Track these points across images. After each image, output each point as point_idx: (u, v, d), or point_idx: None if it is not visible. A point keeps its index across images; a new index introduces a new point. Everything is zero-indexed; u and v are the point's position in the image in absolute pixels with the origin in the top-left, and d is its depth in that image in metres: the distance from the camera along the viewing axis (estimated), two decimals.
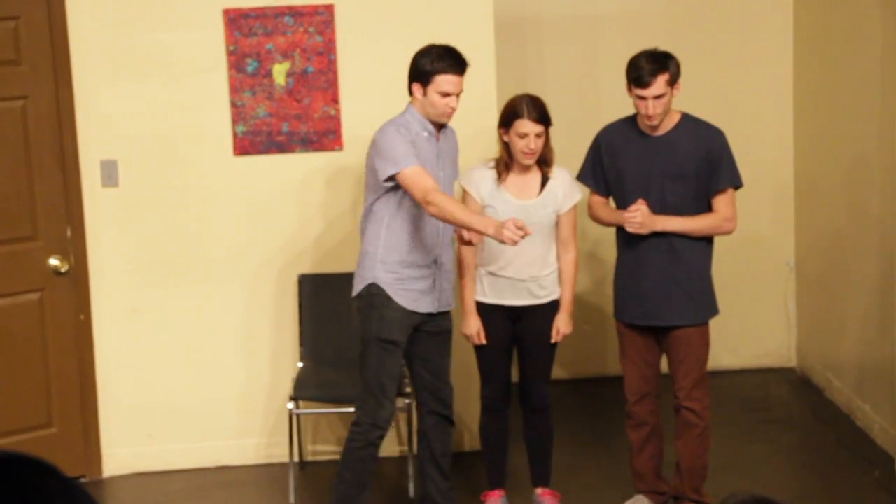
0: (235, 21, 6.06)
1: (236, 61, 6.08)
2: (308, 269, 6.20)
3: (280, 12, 6.06)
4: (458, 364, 6.33)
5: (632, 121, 5.31)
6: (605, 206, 5.43)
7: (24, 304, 6.02)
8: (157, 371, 6.25)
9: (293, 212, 6.20)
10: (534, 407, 5.56)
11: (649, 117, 5.15)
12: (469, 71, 6.11)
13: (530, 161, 5.28)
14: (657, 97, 5.10)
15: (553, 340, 5.43)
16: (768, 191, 7.30)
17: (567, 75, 7.21)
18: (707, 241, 5.33)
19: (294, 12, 6.07)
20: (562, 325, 5.41)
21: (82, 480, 6.18)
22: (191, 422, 6.30)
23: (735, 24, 7.27)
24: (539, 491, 5.66)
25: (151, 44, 6.03)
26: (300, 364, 6.11)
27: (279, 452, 6.19)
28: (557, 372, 5.83)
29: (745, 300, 7.34)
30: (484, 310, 5.42)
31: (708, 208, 5.26)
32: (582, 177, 5.44)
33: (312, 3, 6.07)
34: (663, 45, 5.31)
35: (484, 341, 5.41)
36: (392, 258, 5.09)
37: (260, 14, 6.06)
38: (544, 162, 5.33)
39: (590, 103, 7.02)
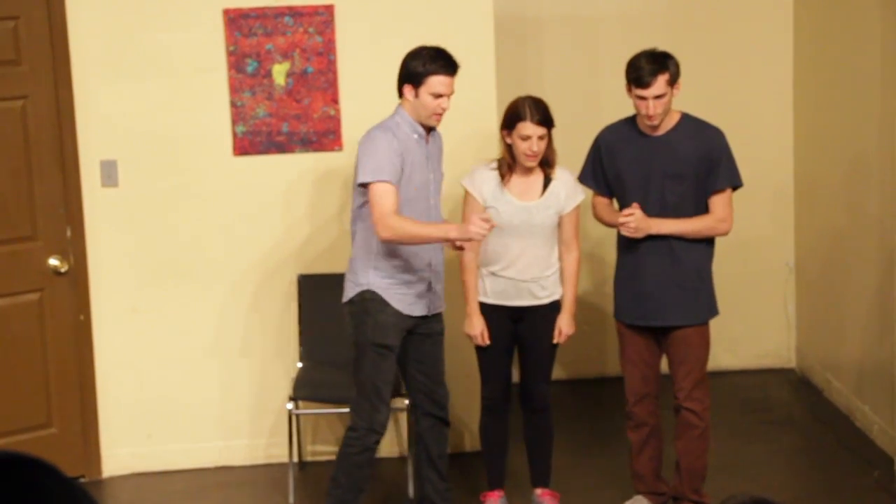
0: (235, 21, 6.06)
1: (236, 61, 6.08)
2: (308, 269, 6.20)
3: (280, 12, 6.06)
4: (458, 364, 6.33)
5: (631, 121, 5.31)
6: (607, 207, 5.43)
7: (23, 304, 6.02)
8: (157, 371, 6.25)
9: (293, 212, 6.20)
10: (534, 407, 5.56)
11: (649, 117, 5.15)
12: (469, 71, 6.12)
13: (533, 163, 5.28)
14: (657, 97, 5.10)
15: (556, 341, 5.43)
16: (768, 191, 7.30)
17: (567, 76, 7.21)
18: (707, 241, 5.33)
19: (294, 12, 6.07)
20: (564, 326, 5.41)
21: (82, 480, 6.18)
22: (190, 422, 6.30)
23: (735, 24, 7.27)
24: (538, 491, 5.66)
25: (151, 44, 6.03)
26: (300, 364, 6.11)
27: (278, 453, 6.19)
28: (557, 372, 5.83)
29: (745, 301, 7.34)
30: (485, 310, 5.42)
31: (707, 208, 5.26)
32: (583, 178, 5.44)
33: (312, 4, 6.07)
34: (663, 46, 5.31)
35: (488, 341, 5.40)
36: (386, 263, 5.07)
37: (260, 14, 6.06)
38: (547, 163, 5.33)
39: (590, 104, 7.02)
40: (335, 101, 6.11)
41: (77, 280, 6.10)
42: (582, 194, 5.41)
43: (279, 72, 6.10)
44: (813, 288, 7.21)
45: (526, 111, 5.22)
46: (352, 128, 6.09)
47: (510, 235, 5.33)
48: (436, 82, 5.00)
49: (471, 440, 6.30)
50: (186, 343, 6.25)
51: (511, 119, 5.27)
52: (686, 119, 5.29)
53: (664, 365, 5.44)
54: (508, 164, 5.33)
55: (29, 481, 1.42)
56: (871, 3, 6.15)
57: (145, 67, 6.04)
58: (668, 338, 5.34)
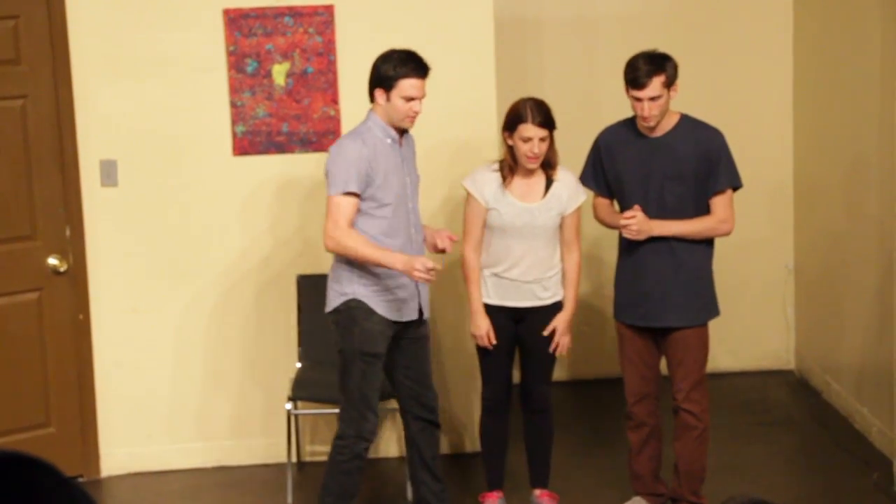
0: (235, 21, 6.06)
1: (236, 61, 6.08)
2: (307, 269, 6.19)
3: (280, 13, 6.06)
4: (458, 364, 6.33)
5: (631, 122, 5.32)
6: (608, 209, 5.44)
7: (22, 304, 6.02)
8: (156, 371, 6.25)
9: (292, 212, 6.19)
10: (535, 408, 5.56)
11: (645, 118, 5.16)
12: (469, 72, 6.14)
13: (534, 165, 5.27)
14: (653, 99, 5.11)
15: (552, 349, 5.42)
16: (767, 193, 7.30)
17: (567, 77, 7.21)
18: (707, 242, 5.34)
19: (294, 13, 6.07)
20: (561, 325, 5.40)
21: (80, 480, 6.18)
22: (189, 422, 6.30)
23: (735, 25, 7.27)
24: (537, 492, 5.66)
25: (151, 44, 6.03)
26: (298, 364, 6.11)
27: (277, 453, 6.19)
28: (556, 373, 5.83)
29: (744, 302, 7.34)
30: (487, 311, 5.42)
31: (708, 209, 5.26)
32: (583, 179, 5.45)
33: (312, 4, 6.07)
34: (663, 47, 5.31)
35: (494, 341, 5.39)
36: (370, 271, 5.04)
37: (260, 14, 6.06)
38: (549, 165, 5.32)
39: (590, 105, 7.02)
40: (335, 101, 6.11)
41: (76, 279, 6.10)
42: (584, 195, 5.41)
43: (279, 72, 6.10)
44: (812, 290, 7.21)
45: (527, 113, 5.21)
46: (351, 128, 6.08)
47: (512, 237, 5.33)
48: (407, 86, 4.96)
49: (471, 441, 6.30)
50: (185, 343, 6.25)
51: (512, 121, 5.26)
52: (685, 120, 5.29)
53: (664, 366, 5.44)
54: (510, 167, 5.32)
55: (27, 481, 1.42)
56: (870, 4, 6.15)
57: (145, 67, 6.04)
58: (667, 339, 5.34)
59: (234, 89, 6.10)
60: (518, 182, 5.34)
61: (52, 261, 6.04)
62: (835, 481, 5.96)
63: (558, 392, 6.33)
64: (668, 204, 5.23)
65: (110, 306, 6.18)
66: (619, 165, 5.32)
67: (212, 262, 6.21)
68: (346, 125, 6.11)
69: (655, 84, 5.09)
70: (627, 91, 5.16)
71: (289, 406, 5.90)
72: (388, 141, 5.04)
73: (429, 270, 4.82)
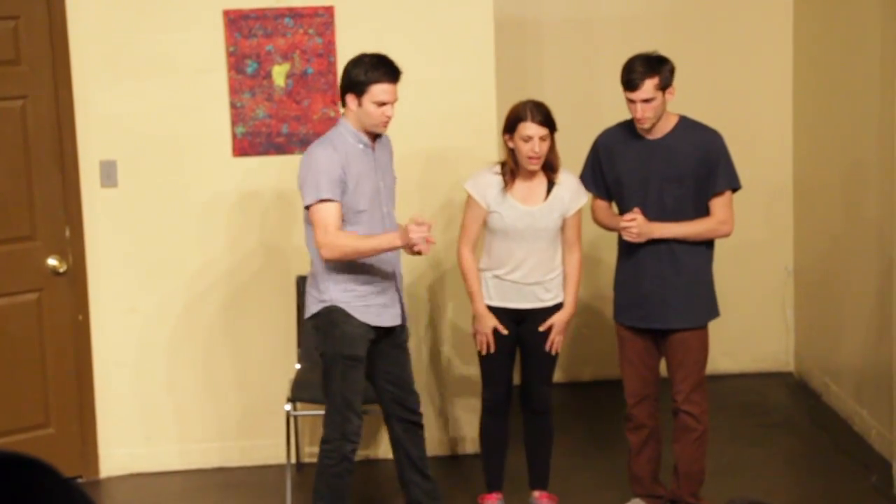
0: (235, 22, 6.06)
1: (236, 62, 6.08)
2: (306, 270, 6.18)
3: (280, 14, 6.06)
4: (459, 365, 6.34)
5: (629, 125, 5.32)
6: (606, 211, 5.44)
7: (22, 304, 6.02)
8: (155, 371, 6.25)
9: (291, 213, 6.19)
10: (535, 409, 5.56)
11: (638, 120, 5.17)
12: (469, 74, 6.14)
13: (536, 166, 5.26)
14: (646, 101, 5.12)
15: (547, 347, 5.41)
16: (767, 195, 7.30)
17: (567, 78, 7.22)
18: (707, 244, 5.34)
19: (294, 14, 6.07)
20: (558, 324, 5.40)
21: (79, 481, 6.18)
22: (188, 423, 6.30)
23: (735, 28, 7.27)
24: (536, 494, 5.66)
25: (151, 44, 6.03)
26: (298, 366, 6.11)
27: (276, 454, 6.18)
28: (555, 374, 5.82)
29: (744, 304, 7.34)
30: (489, 311, 5.42)
31: (707, 211, 5.27)
32: (582, 182, 5.45)
33: (312, 5, 6.07)
34: (663, 48, 5.31)
35: (493, 349, 5.38)
36: (347, 276, 5.02)
37: (260, 15, 6.06)
38: (550, 168, 5.32)
39: (590, 106, 7.02)
40: (335, 102, 6.10)
41: (76, 280, 6.10)
42: (585, 197, 5.41)
43: (279, 73, 6.10)
44: (811, 292, 7.21)
45: (527, 112, 5.22)
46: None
47: (514, 240, 5.33)
48: (379, 90, 4.93)
49: (471, 442, 6.30)
50: (184, 344, 6.25)
51: (512, 122, 5.26)
52: (684, 122, 5.30)
53: (663, 368, 5.44)
54: (511, 170, 5.32)
55: (26, 481, 1.42)
56: (870, 8, 6.15)
57: (145, 68, 6.04)
58: (666, 340, 5.34)
59: (234, 90, 6.10)
60: (520, 185, 5.33)
61: (52, 261, 6.04)
62: (834, 483, 5.96)
63: (557, 393, 6.32)
64: (667, 206, 5.23)
65: (110, 307, 6.18)
66: (618, 168, 5.32)
67: (211, 262, 6.21)
68: None
69: (649, 86, 5.10)
70: (624, 92, 5.18)
71: (288, 407, 5.90)
72: (360, 146, 4.99)
73: (420, 226, 4.75)
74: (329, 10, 6.07)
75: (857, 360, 6.53)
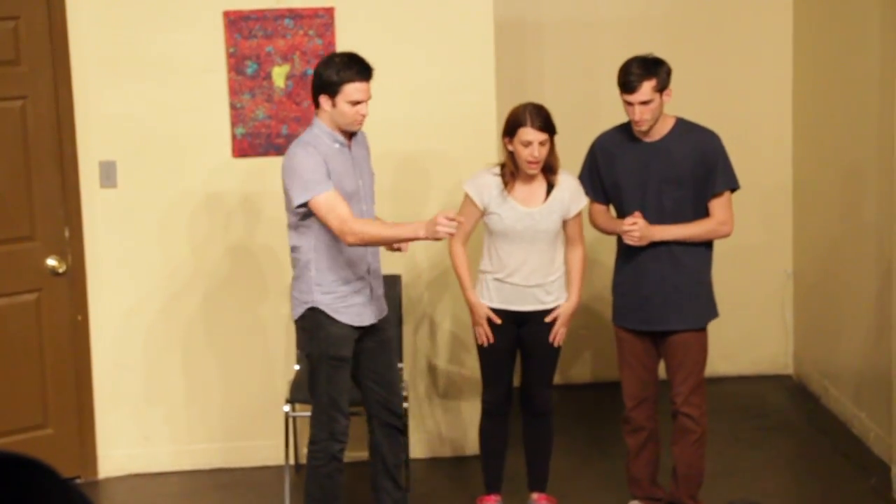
0: (235, 23, 6.06)
1: (236, 63, 6.08)
2: None
3: (280, 15, 6.06)
4: (459, 367, 6.33)
5: (627, 127, 5.33)
6: (604, 215, 5.44)
7: (21, 305, 6.01)
8: (154, 372, 6.25)
9: None
10: (535, 412, 5.56)
11: (636, 122, 5.18)
12: (468, 76, 6.13)
13: (535, 170, 5.27)
14: (644, 103, 5.12)
15: (550, 338, 5.40)
16: (766, 198, 7.30)
17: (567, 80, 7.21)
18: (706, 245, 5.35)
19: (294, 15, 6.07)
20: (563, 315, 5.39)
21: (78, 481, 6.17)
22: (187, 424, 6.30)
23: (734, 30, 7.27)
24: (535, 496, 5.66)
25: (151, 45, 6.03)
26: (296, 367, 6.10)
27: (275, 455, 6.18)
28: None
29: (743, 307, 7.33)
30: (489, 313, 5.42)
31: (706, 212, 5.27)
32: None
33: (312, 6, 6.07)
34: (662, 50, 5.31)
35: (491, 340, 5.38)
36: (327, 279, 5.01)
37: (260, 16, 6.06)
38: (550, 170, 5.32)
39: (590, 109, 7.01)
40: None
41: (75, 280, 6.10)
42: (585, 198, 5.41)
43: (279, 74, 6.10)
44: (811, 295, 7.21)
45: (526, 117, 5.21)
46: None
47: (514, 242, 5.33)
48: (352, 90, 4.90)
49: (470, 444, 6.29)
50: (183, 344, 6.24)
51: (512, 126, 5.26)
52: (681, 123, 5.30)
53: (662, 370, 5.44)
54: (511, 172, 5.32)
55: (25, 482, 1.42)
56: (870, 11, 6.15)
57: (145, 68, 6.04)
58: (666, 342, 5.34)
59: (234, 91, 6.09)
60: (519, 187, 5.33)
61: (51, 262, 6.04)
62: (832, 486, 5.96)
63: (555, 395, 6.32)
64: (666, 208, 5.24)
65: (109, 307, 6.18)
66: (616, 171, 5.32)
67: (210, 263, 6.21)
68: None
69: (646, 88, 5.10)
70: (620, 95, 5.18)
71: (287, 408, 5.89)
72: (337, 146, 4.97)
73: (451, 221, 4.70)
74: (329, 12, 6.07)
75: (856, 363, 6.53)
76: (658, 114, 5.20)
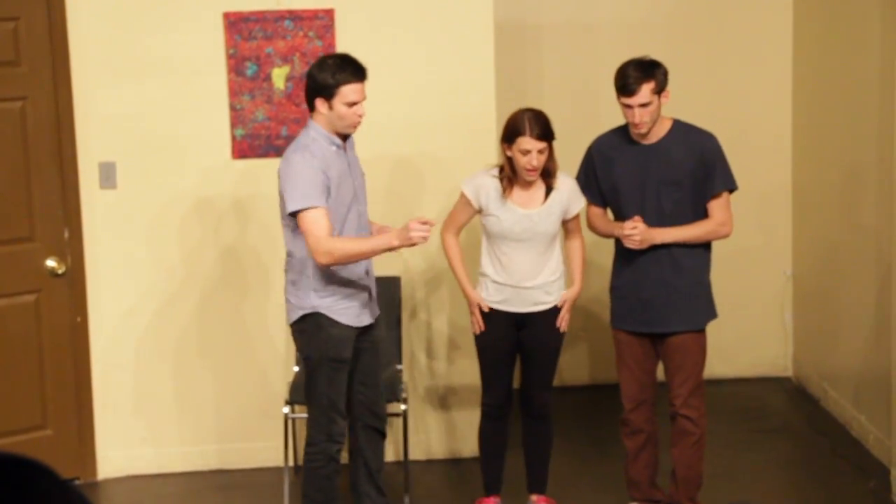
0: (235, 24, 6.06)
1: (236, 65, 6.08)
2: None
3: (280, 16, 6.06)
4: (459, 369, 6.33)
5: (623, 130, 5.33)
6: (602, 218, 5.44)
7: (20, 306, 6.01)
8: (153, 373, 6.25)
9: None
10: (535, 414, 5.56)
11: (636, 126, 5.17)
12: (468, 78, 6.14)
13: (533, 177, 5.26)
14: (643, 105, 5.12)
15: (558, 323, 5.39)
16: (766, 200, 7.31)
17: (566, 83, 7.22)
18: (705, 247, 5.35)
19: (294, 16, 6.07)
20: (568, 301, 5.41)
21: (77, 482, 6.17)
22: (186, 425, 6.30)
23: (734, 33, 7.28)
24: (534, 498, 5.66)
25: (151, 46, 6.03)
26: (296, 368, 6.10)
27: (274, 456, 6.18)
28: None
29: (742, 309, 7.34)
30: (489, 316, 5.41)
31: (705, 213, 5.27)
32: None
33: (312, 8, 6.07)
34: (662, 53, 5.31)
35: (483, 327, 5.39)
36: (326, 283, 5.00)
37: (260, 18, 6.06)
38: (548, 174, 5.32)
39: (589, 111, 7.01)
40: None
41: (74, 282, 6.10)
42: (583, 199, 5.41)
43: (279, 75, 6.10)
44: (810, 297, 7.22)
45: (525, 125, 5.19)
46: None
47: (513, 243, 5.33)
48: (348, 91, 4.89)
49: (470, 446, 6.29)
50: (183, 346, 6.24)
51: (511, 133, 5.25)
52: (678, 125, 5.30)
53: (660, 372, 5.44)
54: (509, 177, 5.31)
55: (24, 483, 1.42)
56: (869, 14, 6.15)
57: (145, 69, 6.04)
58: (665, 344, 5.34)
59: (234, 92, 6.10)
60: (518, 191, 5.33)
61: (51, 263, 6.04)
62: (832, 489, 5.96)
63: (554, 397, 6.32)
64: (665, 210, 5.24)
65: (108, 309, 6.18)
66: (614, 174, 5.32)
67: (210, 265, 6.21)
68: None
69: (645, 91, 5.10)
70: (618, 98, 5.18)
71: (286, 410, 5.89)
72: (334, 149, 4.97)
73: (423, 225, 4.74)
74: (329, 13, 6.08)
75: (855, 365, 6.53)
76: (656, 116, 5.20)
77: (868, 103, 6.19)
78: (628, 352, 5.40)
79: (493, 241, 5.37)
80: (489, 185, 5.34)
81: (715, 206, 5.26)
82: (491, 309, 5.40)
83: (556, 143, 5.32)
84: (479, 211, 5.37)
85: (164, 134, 6.10)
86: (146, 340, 6.22)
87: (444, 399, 6.41)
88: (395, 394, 5.80)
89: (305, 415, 6.17)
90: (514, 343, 5.44)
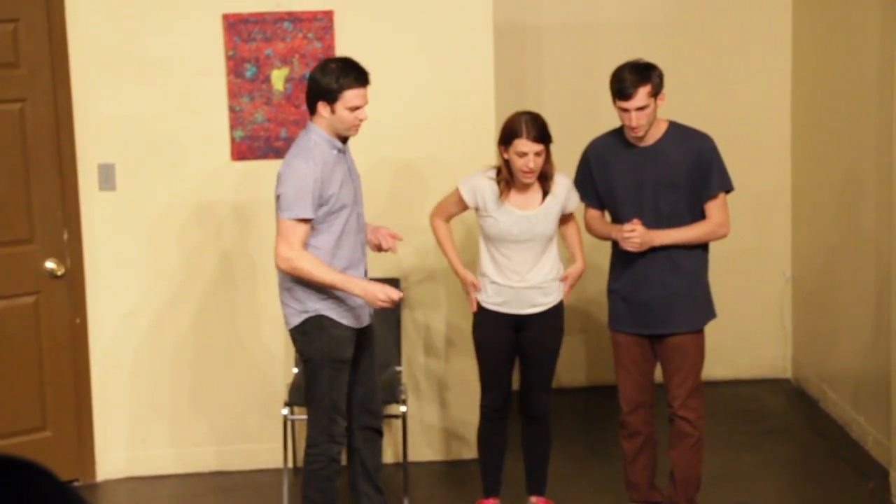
0: (235, 26, 6.06)
1: (235, 66, 6.08)
2: None
3: (279, 18, 6.06)
4: (458, 371, 6.33)
5: (619, 133, 5.33)
6: (600, 221, 5.44)
7: (19, 307, 6.01)
8: (152, 375, 6.25)
9: None
10: (534, 415, 5.56)
11: (633, 128, 5.17)
12: (468, 79, 6.14)
13: (530, 180, 5.27)
14: (640, 108, 5.12)
15: (562, 275, 5.41)
16: (764, 202, 7.31)
17: (566, 84, 7.22)
18: (703, 247, 5.35)
19: (293, 18, 6.07)
20: (570, 278, 5.44)
21: (76, 484, 6.18)
22: (185, 426, 6.30)
23: (734, 35, 7.28)
24: (534, 499, 5.66)
25: (150, 48, 6.03)
26: (295, 370, 6.10)
27: (273, 458, 6.18)
28: None
29: (741, 311, 7.33)
30: (488, 317, 5.42)
31: (702, 214, 5.27)
32: None
33: (312, 9, 6.07)
34: (661, 54, 5.32)
35: (474, 308, 5.40)
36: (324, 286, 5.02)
37: (259, 19, 6.06)
38: (545, 177, 5.32)
39: (588, 112, 7.01)
40: None
41: (73, 283, 6.10)
42: (578, 198, 5.44)
43: (278, 77, 6.10)
44: (809, 299, 7.22)
45: (522, 128, 5.20)
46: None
47: (511, 245, 5.33)
48: (351, 95, 4.90)
49: (469, 448, 6.29)
50: (182, 347, 6.24)
51: (508, 135, 5.25)
52: (674, 127, 5.30)
53: (658, 374, 5.44)
54: (506, 180, 5.32)
55: (23, 485, 1.42)
56: (869, 15, 6.16)
57: (144, 71, 6.04)
58: (663, 345, 5.33)
59: (233, 94, 6.10)
60: (515, 193, 5.33)
61: (50, 264, 6.04)
62: (831, 490, 5.96)
63: (552, 399, 6.32)
64: (663, 212, 5.24)
65: (107, 310, 6.18)
66: (612, 176, 5.31)
67: (209, 266, 6.20)
68: None
69: (641, 94, 5.11)
70: (614, 102, 5.18)
71: (285, 411, 5.89)
72: (335, 152, 4.97)
73: (391, 300, 4.87)
74: (328, 15, 6.08)
75: (854, 367, 6.53)
76: (653, 118, 5.20)
77: (867, 105, 6.20)
78: (626, 354, 5.40)
79: (492, 243, 5.37)
80: (486, 187, 5.34)
81: (712, 207, 5.26)
82: (490, 311, 5.41)
83: (555, 144, 5.33)
84: (476, 209, 5.38)
85: (163, 136, 6.09)
86: (145, 342, 6.22)
87: (443, 401, 6.41)
88: (394, 395, 5.81)
89: (304, 416, 6.19)
90: (512, 345, 5.44)
